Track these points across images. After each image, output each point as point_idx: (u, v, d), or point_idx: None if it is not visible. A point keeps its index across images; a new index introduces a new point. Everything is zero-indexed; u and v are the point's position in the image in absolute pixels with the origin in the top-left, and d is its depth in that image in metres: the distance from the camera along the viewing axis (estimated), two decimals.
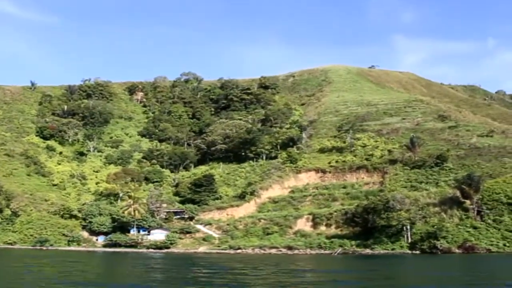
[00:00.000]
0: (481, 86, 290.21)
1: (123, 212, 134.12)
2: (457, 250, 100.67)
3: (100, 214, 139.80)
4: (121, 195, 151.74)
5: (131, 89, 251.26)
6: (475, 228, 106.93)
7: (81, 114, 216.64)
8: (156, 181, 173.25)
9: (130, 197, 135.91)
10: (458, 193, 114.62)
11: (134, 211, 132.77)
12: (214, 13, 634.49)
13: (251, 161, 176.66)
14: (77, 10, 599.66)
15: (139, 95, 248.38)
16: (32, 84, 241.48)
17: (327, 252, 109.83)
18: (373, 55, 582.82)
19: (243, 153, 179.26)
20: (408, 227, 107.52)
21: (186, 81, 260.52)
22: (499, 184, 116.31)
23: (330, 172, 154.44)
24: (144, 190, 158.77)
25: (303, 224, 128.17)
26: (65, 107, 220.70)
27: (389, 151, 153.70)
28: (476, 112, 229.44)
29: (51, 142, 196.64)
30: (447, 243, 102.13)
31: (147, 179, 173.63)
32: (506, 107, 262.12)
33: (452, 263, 77.95)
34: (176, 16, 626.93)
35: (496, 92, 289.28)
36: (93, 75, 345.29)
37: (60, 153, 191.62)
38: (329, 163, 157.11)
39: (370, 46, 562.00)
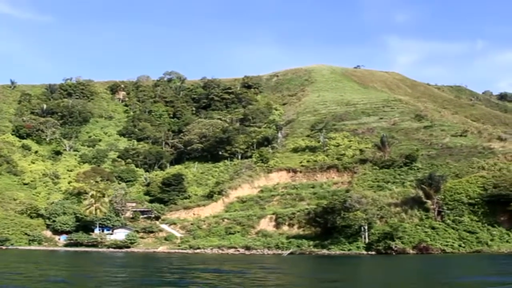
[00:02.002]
0: (467, 86, 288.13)
1: (84, 211, 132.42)
2: (411, 251, 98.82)
3: (64, 213, 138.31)
4: (89, 194, 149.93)
5: (113, 88, 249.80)
6: (433, 228, 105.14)
7: (60, 113, 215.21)
8: (129, 180, 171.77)
9: (91, 196, 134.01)
10: (421, 193, 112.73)
11: (96, 210, 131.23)
12: (201, 12, 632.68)
13: (226, 161, 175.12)
14: (62, 8, 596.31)
15: (121, 94, 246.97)
16: (12, 82, 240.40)
17: (289, 252, 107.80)
18: (365, 56, 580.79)
19: (219, 153, 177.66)
20: (366, 227, 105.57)
21: (169, 80, 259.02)
22: (462, 184, 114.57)
23: (301, 172, 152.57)
24: (116, 190, 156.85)
25: (266, 224, 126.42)
26: (44, 106, 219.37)
27: (361, 150, 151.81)
28: (459, 112, 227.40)
29: (28, 141, 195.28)
30: (402, 243, 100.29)
31: (120, 178, 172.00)
32: (492, 107, 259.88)
33: (393, 264, 76.14)
34: (162, 15, 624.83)
35: (483, 93, 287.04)
36: (78, 74, 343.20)
37: (36, 152, 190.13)
38: (301, 162, 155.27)
39: (362, 46, 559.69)
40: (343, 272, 60.16)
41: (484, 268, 63.31)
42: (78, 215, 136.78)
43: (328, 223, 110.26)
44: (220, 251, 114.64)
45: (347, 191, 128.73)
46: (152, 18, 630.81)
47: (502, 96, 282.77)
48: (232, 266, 64.18)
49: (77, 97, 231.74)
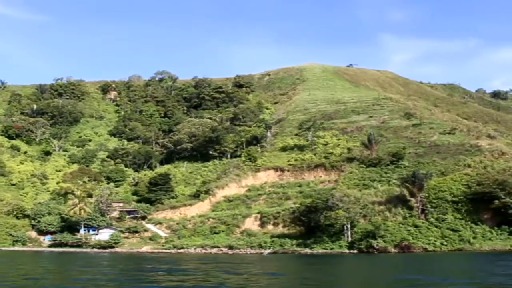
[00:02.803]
0: (460, 84, 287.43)
1: (69, 212, 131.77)
2: (393, 250, 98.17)
3: (49, 214, 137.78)
4: (79, 194, 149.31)
5: (104, 88, 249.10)
6: (416, 226, 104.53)
7: (50, 114, 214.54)
8: (118, 180, 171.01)
9: (76, 196, 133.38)
10: (405, 192, 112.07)
11: (80, 210, 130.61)
12: (195, 11, 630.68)
13: (215, 160, 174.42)
14: (54, 7, 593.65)
15: (112, 94, 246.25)
16: (2, 83, 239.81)
17: (269, 251, 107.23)
18: (359, 54, 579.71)
19: (209, 152, 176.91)
20: (348, 226, 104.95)
21: (161, 80, 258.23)
22: (446, 182, 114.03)
23: (288, 171, 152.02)
24: (102, 190, 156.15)
25: (251, 224, 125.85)
26: (34, 106, 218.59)
27: (349, 149, 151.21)
28: (451, 110, 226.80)
29: (17, 142, 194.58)
30: (384, 242, 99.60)
31: (109, 178, 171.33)
32: (485, 105, 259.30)
33: (370, 263, 75.53)
34: (155, 14, 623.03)
35: (476, 91, 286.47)
36: (69, 74, 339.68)
37: (25, 152, 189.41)
38: (288, 161, 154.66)
39: (357, 45, 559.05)
40: (293, 269, 60.49)
41: (442, 267, 62.69)
42: (63, 215, 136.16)
43: (311, 222, 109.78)
44: (204, 251, 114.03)
45: (333, 189, 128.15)
46: (144, 18, 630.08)
47: (496, 94, 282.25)
48: (194, 265, 64.09)
49: (68, 97, 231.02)
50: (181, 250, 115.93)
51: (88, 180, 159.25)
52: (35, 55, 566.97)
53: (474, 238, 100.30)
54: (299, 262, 78.43)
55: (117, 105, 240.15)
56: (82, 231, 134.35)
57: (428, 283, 42.83)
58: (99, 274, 50.70)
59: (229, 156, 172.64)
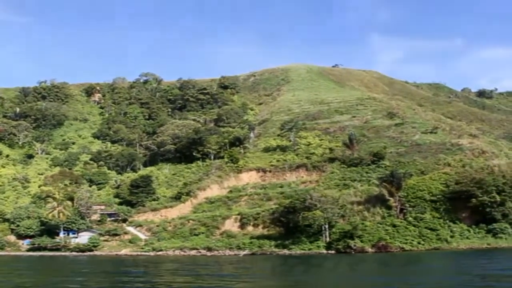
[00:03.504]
0: (446, 84, 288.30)
1: (47, 215, 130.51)
2: (370, 250, 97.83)
3: (29, 217, 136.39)
4: (58, 197, 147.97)
5: (89, 91, 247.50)
6: (394, 226, 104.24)
7: (33, 117, 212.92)
8: (100, 183, 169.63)
9: (54, 199, 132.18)
10: (384, 191, 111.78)
11: (58, 213, 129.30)
12: (181, 12, 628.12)
13: (198, 161, 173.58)
14: (38, 9, 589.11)
15: (97, 96, 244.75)
16: None
17: (245, 252, 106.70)
18: (346, 55, 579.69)
19: (192, 153, 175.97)
20: (326, 226, 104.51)
21: (145, 82, 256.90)
22: (425, 181, 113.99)
23: (270, 172, 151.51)
24: (82, 193, 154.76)
25: (231, 225, 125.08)
26: (17, 109, 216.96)
27: (331, 149, 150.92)
28: (436, 109, 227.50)
29: None
30: (362, 242, 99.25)
31: (91, 181, 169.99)
32: (470, 104, 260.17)
33: (337, 263, 75.06)
34: (140, 16, 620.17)
35: (461, 90, 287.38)
36: (53, 76, 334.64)
37: (7, 156, 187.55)
38: (270, 162, 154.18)
39: (344, 45, 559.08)
40: (253, 270, 60.18)
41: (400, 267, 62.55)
42: (42, 219, 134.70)
43: (290, 223, 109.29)
44: (182, 253, 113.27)
45: (313, 189, 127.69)
46: (129, 19, 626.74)
47: (481, 93, 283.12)
48: (156, 268, 63.80)
49: (52, 100, 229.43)
50: (160, 253, 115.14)
51: (70, 183, 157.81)
52: (18, 57, 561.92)
53: (451, 237, 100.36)
54: (268, 263, 77.98)
55: (101, 108, 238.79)
56: (61, 235, 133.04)
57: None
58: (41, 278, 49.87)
59: (212, 157, 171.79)
